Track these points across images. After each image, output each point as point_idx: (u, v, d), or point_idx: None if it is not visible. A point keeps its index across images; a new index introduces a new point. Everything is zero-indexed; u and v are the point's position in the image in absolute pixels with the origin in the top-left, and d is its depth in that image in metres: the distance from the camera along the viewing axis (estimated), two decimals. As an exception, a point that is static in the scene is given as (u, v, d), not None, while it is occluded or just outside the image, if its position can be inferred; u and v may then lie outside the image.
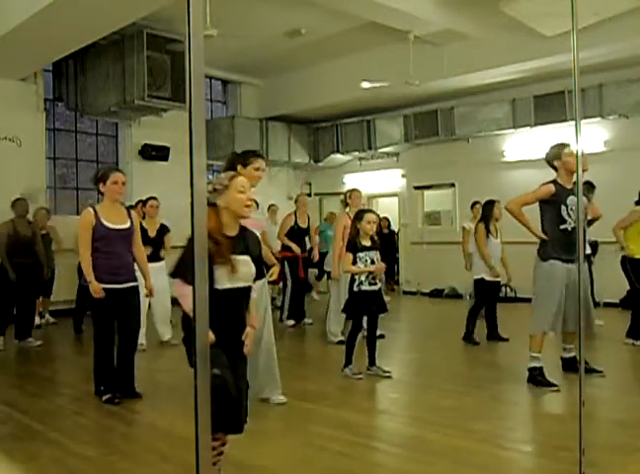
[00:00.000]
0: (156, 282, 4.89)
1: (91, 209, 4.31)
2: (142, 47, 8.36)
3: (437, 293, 10.84)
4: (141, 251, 4.57)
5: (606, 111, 8.89)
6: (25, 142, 8.78)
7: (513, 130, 10.00)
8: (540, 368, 4.47)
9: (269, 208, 9.69)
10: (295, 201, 8.19)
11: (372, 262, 4.83)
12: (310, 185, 13.03)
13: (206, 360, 1.36)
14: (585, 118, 8.14)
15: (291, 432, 3.65)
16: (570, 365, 4.77)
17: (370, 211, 5.06)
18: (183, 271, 2.51)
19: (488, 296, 6.56)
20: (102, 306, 4.21)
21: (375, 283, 4.88)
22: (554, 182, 4.49)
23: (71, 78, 9.39)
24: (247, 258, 2.63)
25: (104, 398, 4.22)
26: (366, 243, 4.85)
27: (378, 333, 6.45)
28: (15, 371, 5.60)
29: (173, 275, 2.59)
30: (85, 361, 6.25)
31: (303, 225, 7.90)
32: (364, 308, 4.92)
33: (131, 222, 4.42)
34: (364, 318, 5.13)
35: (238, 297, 2.61)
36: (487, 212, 6.58)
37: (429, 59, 8.91)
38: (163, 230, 6.54)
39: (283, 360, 5.71)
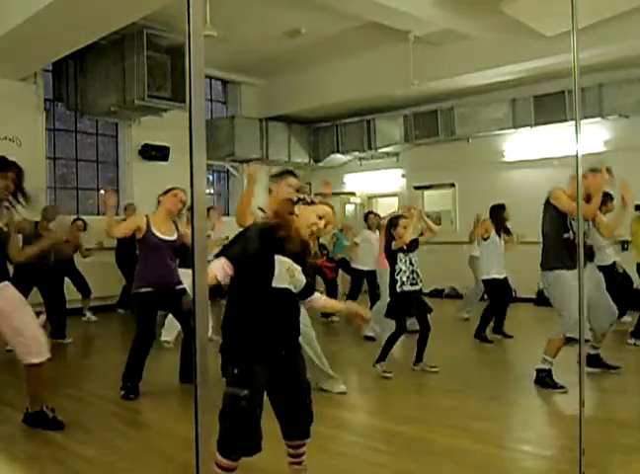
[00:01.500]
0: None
1: (144, 215, 4.68)
2: (142, 47, 8.37)
3: (436, 293, 10.83)
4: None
5: (606, 111, 8.90)
6: (25, 142, 8.78)
7: (513, 130, 10.00)
8: (549, 371, 4.46)
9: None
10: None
11: (412, 263, 5.02)
12: (310, 185, 13.03)
13: (206, 361, 1.36)
14: (585, 118, 8.14)
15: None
16: (591, 362, 4.84)
17: (404, 217, 5.18)
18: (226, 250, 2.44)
19: (502, 294, 6.66)
20: (146, 306, 4.53)
21: (416, 283, 5.03)
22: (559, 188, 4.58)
23: (71, 78, 9.38)
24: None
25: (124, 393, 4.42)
26: (404, 246, 5.01)
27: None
28: (15, 372, 5.59)
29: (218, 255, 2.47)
30: (89, 361, 6.28)
31: None
32: (407, 309, 5.03)
33: (178, 234, 4.75)
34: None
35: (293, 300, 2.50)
36: (496, 215, 6.65)
37: (429, 59, 8.91)
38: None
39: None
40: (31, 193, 6.33)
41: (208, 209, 8.91)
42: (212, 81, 11.69)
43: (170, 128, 9.37)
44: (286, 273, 2.39)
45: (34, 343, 3.54)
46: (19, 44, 7.24)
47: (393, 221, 5.11)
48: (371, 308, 6.88)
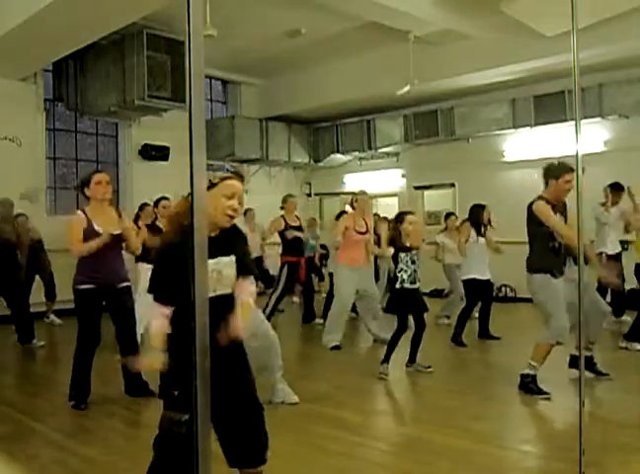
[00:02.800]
0: None
1: (81, 212, 4.26)
2: (142, 47, 8.37)
3: (436, 293, 10.82)
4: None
5: (606, 111, 8.90)
6: (25, 142, 8.78)
7: (513, 130, 10.00)
8: (534, 376, 4.38)
9: (245, 213, 9.52)
10: (284, 203, 7.74)
11: (413, 262, 5.02)
12: (310, 185, 13.03)
13: (206, 360, 1.36)
14: (585, 118, 8.14)
15: (291, 431, 3.65)
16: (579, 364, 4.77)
17: (411, 213, 5.19)
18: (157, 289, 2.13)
19: (481, 295, 6.56)
20: (87, 307, 4.22)
21: (415, 282, 5.03)
22: (541, 197, 4.40)
23: (71, 78, 9.39)
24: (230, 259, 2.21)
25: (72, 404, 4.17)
26: (407, 243, 5.00)
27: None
28: (15, 372, 5.60)
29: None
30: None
31: (295, 224, 7.60)
32: (408, 306, 5.03)
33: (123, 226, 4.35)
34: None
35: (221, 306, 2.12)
36: (475, 216, 6.58)
37: (429, 59, 8.91)
38: None
39: (284, 360, 5.71)
40: (31, 192, 6.34)
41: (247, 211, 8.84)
42: (212, 81, 11.69)
43: (170, 128, 9.37)
44: (213, 278, 2.06)
45: None
46: (19, 44, 7.24)
47: (399, 217, 5.11)
48: (325, 315, 6.83)
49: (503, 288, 9.94)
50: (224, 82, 12.01)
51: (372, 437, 3.63)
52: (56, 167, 9.84)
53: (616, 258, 6.73)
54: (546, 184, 4.45)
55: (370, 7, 7.40)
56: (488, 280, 6.60)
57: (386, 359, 4.99)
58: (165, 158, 10.11)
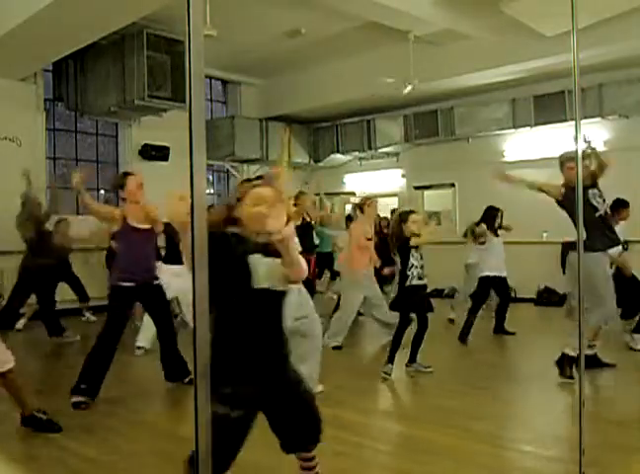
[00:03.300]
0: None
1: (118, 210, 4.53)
2: (142, 47, 8.37)
3: (437, 293, 10.81)
4: None
5: (606, 111, 8.90)
6: (25, 142, 8.78)
7: (513, 130, 10.00)
8: (573, 358, 4.51)
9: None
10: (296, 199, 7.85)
11: (421, 258, 5.10)
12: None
13: (206, 360, 1.36)
14: (585, 118, 8.12)
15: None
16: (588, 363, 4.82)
17: (413, 212, 5.24)
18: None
19: (498, 292, 6.76)
20: (122, 304, 4.42)
21: (422, 278, 5.08)
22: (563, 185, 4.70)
23: (71, 78, 9.38)
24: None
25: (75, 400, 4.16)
26: (411, 242, 5.07)
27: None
28: (16, 371, 5.59)
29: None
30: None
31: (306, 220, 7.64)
32: (412, 303, 5.06)
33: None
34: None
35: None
36: (489, 217, 6.72)
37: (429, 59, 8.90)
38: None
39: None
40: (31, 192, 6.36)
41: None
42: (212, 81, 11.69)
43: (170, 128, 9.36)
44: (267, 268, 2.17)
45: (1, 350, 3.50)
46: (19, 44, 7.24)
47: (403, 216, 5.14)
48: (331, 318, 6.82)
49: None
50: (224, 82, 12.01)
51: (372, 437, 3.63)
52: (56, 167, 9.83)
53: None
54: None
55: (370, 7, 7.40)
56: (505, 278, 6.72)
57: (390, 360, 4.97)
58: (165, 158, 10.11)
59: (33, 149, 8.84)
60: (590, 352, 4.71)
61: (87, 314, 8.38)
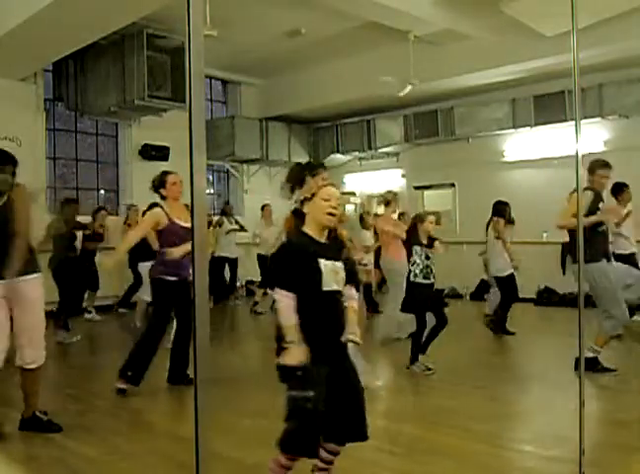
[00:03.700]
0: None
1: (159, 209, 4.63)
2: (142, 47, 8.37)
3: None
4: None
5: (606, 111, 8.90)
6: (25, 142, 8.77)
7: (513, 130, 10.00)
8: (596, 358, 4.69)
9: (262, 209, 9.66)
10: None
11: (427, 257, 5.14)
12: (310, 185, 13.02)
13: (207, 361, 1.36)
14: (585, 118, 8.13)
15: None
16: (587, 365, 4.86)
17: (432, 214, 5.40)
18: (282, 280, 2.41)
19: (515, 290, 6.73)
20: (168, 297, 4.57)
21: (429, 278, 5.10)
22: (589, 188, 4.71)
23: (71, 78, 9.39)
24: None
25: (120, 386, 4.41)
26: (424, 240, 5.16)
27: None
28: (15, 371, 5.58)
29: (273, 285, 2.43)
30: (90, 361, 6.28)
31: None
32: (424, 303, 5.08)
33: None
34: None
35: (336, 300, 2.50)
36: (501, 211, 6.72)
37: (429, 59, 8.90)
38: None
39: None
40: (32, 192, 6.36)
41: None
42: (212, 81, 11.69)
43: (170, 128, 9.36)
44: (332, 274, 2.44)
45: (40, 344, 3.54)
46: (19, 44, 7.24)
47: (420, 217, 5.25)
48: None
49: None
50: (224, 82, 12.01)
51: (373, 437, 3.62)
52: (56, 167, 9.84)
53: (629, 258, 6.64)
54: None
55: (370, 7, 7.40)
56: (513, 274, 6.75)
57: (415, 359, 5.08)
58: (165, 158, 10.11)
59: (33, 149, 8.83)
60: (591, 354, 4.72)
61: (92, 313, 8.31)
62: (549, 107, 9.35)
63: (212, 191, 11.96)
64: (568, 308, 8.25)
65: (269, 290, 2.55)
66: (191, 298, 4.28)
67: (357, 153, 11.89)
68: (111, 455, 3.24)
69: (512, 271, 6.63)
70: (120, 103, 8.80)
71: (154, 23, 8.22)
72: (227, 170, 11.94)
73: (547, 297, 9.48)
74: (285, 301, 2.36)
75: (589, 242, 4.56)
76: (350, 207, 12.72)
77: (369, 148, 11.52)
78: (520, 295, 8.57)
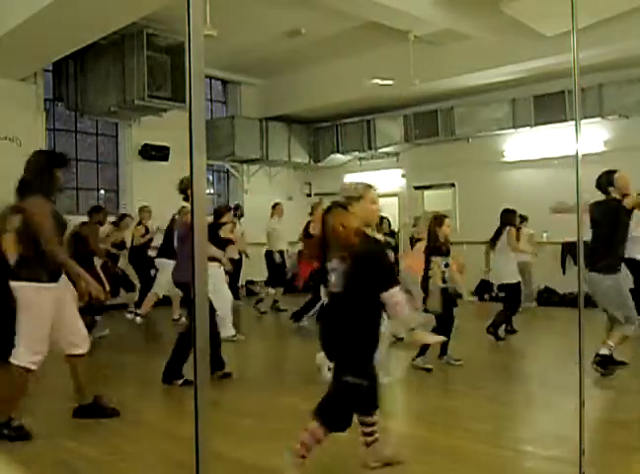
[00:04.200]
0: None
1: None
2: (142, 47, 8.37)
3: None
4: None
5: (606, 111, 8.90)
6: (25, 142, 8.77)
7: (513, 130, 10.00)
8: (610, 356, 4.74)
9: (274, 207, 9.61)
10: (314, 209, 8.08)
11: (447, 265, 5.18)
12: (310, 185, 13.03)
13: (206, 361, 1.36)
14: (585, 118, 8.13)
15: (291, 431, 3.64)
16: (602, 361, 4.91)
17: (446, 216, 5.36)
18: (394, 279, 2.71)
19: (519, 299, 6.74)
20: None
21: (446, 282, 5.18)
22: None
23: (71, 78, 9.39)
24: None
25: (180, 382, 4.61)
26: (443, 246, 5.19)
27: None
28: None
29: (388, 286, 2.64)
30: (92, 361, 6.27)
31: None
32: (448, 304, 5.18)
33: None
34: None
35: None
36: (511, 219, 6.70)
37: (429, 59, 8.91)
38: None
39: (289, 360, 5.72)
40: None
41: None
42: (212, 81, 11.69)
43: (170, 128, 9.36)
44: None
45: (82, 330, 3.70)
46: (19, 44, 7.24)
47: (439, 220, 5.23)
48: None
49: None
50: (224, 82, 12.01)
51: (372, 437, 3.62)
52: (56, 167, 9.83)
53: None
54: (606, 194, 4.82)
55: (370, 7, 7.40)
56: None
57: (444, 352, 5.22)
58: (165, 158, 10.11)
59: (33, 149, 8.76)
60: (607, 351, 4.78)
61: (133, 313, 8.13)
62: (549, 107, 9.34)
63: (212, 191, 11.95)
64: (568, 308, 8.25)
65: (390, 291, 2.59)
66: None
67: (357, 153, 11.89)
68: (111, 455, 3.24)
69: (519, 279, 6.63)
70: (120, 103, 8.80)
71: (154, 23, 8.22)
72: (227, 170, 11.94)
73: (547, 297, 9.48)
74: (402, 295, 2.63)
75: (613, 251, 4.70)
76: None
77: (369, 148, 11.52)
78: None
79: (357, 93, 10.33)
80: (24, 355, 3.40)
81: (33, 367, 3.43)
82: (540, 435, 3.58)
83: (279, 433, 3.68)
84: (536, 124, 9.60)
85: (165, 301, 9.46)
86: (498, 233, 6.70)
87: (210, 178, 11.90)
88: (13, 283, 3.44)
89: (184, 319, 8.03)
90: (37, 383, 5.01)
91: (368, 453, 2.95)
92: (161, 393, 4.68)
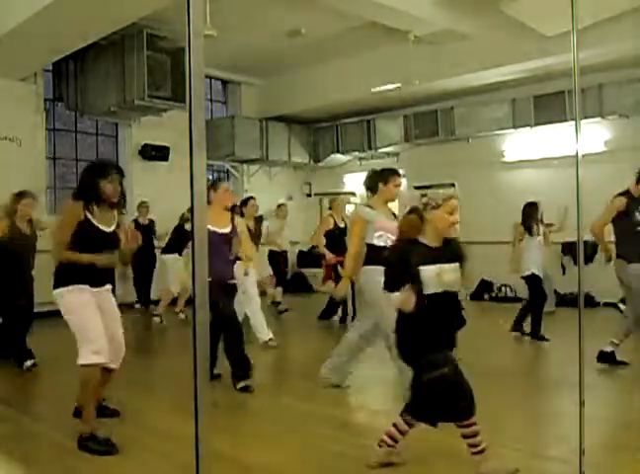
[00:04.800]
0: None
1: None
2: (142, 47, 8.38)
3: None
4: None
5: (606, 111, 8.89)
6: (25, 142, 8.78)
7: (513, 130, 9.99)
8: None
9: (278, 207, 9.57)
10: (331, 203, 8.17)
11: None
12: (310, 185, 13.03)
13: (206, 360, 1.36)
14: (585, 118, 8.13)
15: (291, 432, 3.65)
16: (606, 358, 4.97)
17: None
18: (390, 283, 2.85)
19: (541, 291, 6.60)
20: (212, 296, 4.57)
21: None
22: (626, 193, 5.00)
23: (71, 78, 9.39)
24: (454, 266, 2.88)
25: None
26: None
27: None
28: (16, 371, 5.59)
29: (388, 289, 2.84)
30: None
31: (342, 224, 7.70)
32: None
33: (233, 226, 4.85)
34: None
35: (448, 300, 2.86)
36: (529, 214, 6.62)
37: (429, 59, 8.90)
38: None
39: (291, 361, 5.71)
40: (32, 193, 6.37)
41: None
42: (212, 81, 11.69)
43: (170, 128, 9.37)
44: (436, 278, 2.76)
45: (120, 346, 3.63)
46: (19, 44, 7.24)
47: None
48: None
49: (503, 288, 9.95)
50: (224, 82, 12.01)
51: (372, 438, 3.62)
52: (56, 167, 9.84)
53: None
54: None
55: (370, 7, 7.40)
56: (538, 277, 6.59)
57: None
58: (165, 158, 10.12)
59: (33, 149, 8.84)
60: (610, 348, 4.88)
61: (159, 316, 8.08)
62: (549, 107, 9.34)
63: (212, 191, 11.95)
64: (568, 308, 8.25)
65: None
66: (230, 297, 4.37)
67: (357, 153, 11.89)
68: (111, 455, 3.24)
69: (534, 271, 6.47)
70: (119, 103, 8.80)
71: (154, 23, 8.22)
72: (227, 170, 11.94)
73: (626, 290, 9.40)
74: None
75: (632, 242, 4.83)
76: (350, 207, 12.73)
77: (369, 148, 11.52)
78: (520, 295, 8.61)
79: (356, 93, 10.33)
80: (84, 355, 3.33)
81: (96, 360, 3.33)
82: (540, 435, 3.58)
83: (279, 433, 3.69)
84: (536, 124, 9.60)
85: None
86: (528, 220, 6.61)
87: (210, 178, 11.89)
88: (54, 292, 3.42)
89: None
90: (37, 383, 5.03)
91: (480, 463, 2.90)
92: (161, 393, 4.68)
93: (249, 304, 6.14)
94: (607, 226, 5.09)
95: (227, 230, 4.77)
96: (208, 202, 4.65)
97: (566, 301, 8.87)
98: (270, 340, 6.22)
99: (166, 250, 8.29)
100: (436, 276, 2.76)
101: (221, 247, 4.64)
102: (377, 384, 4.86)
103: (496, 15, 7.46)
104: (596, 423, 3.49)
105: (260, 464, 3.09)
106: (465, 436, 2.88)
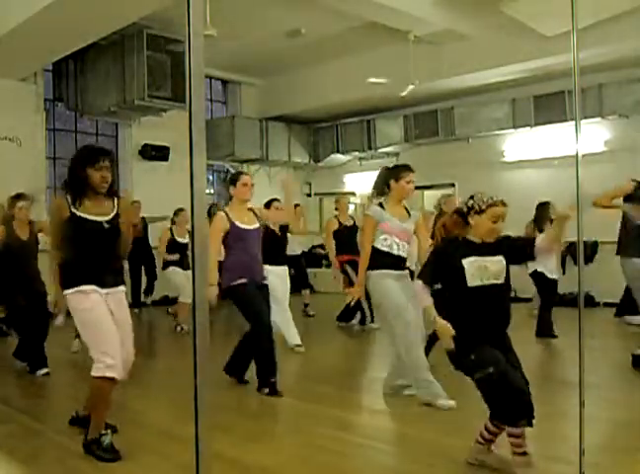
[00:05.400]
0: None
1: (222, 213, 4.45)
2: (142, 47, 8.38)
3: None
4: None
5: (606, 111, 8.89)
6: (25, 142, 8.78)
7: (513, 130, 9.99)
8: None
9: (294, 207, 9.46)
10: (337, 203, 8.04)
11: None
12: (310, 185, 13.03)
13: (206, 361, 1.36)
14: (585, 118, 8.13)
15: (291, 432, 3.65)
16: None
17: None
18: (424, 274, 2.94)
19: (550, 291, 6.55)
20: (250, 297, 4.40)
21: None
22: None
23: (71, 78, 9.39)
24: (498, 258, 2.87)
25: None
26: None
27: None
28: (16, 371, 5.59)
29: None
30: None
31: (348, 223, 7.65)
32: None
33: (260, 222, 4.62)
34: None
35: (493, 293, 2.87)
36: (540, 214, 6.56)
37: (429, 59, 8.91)
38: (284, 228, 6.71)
39: (291, 361, 5.71)
40: (29, 195, 6.37)
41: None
42: (212, 81, 11.69)
43: (170, 128, 9.37)
44: (478, 271, 2.78)
45: (128, 356, 3.34)
46: (19, 44, 7.24)
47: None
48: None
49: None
50: (224, 82, 12.01)
51: (372, 437, 3.63)
52: (56, 167, 9.84)
53: None
54: None
55: (370, 7, 7.40)
56: (542, 274, 6.54)
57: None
58: (165, 158, 10.12)
59: (33, 149, 8.84)
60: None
61: (180, 327, 7.68)
62: (549, 107, 9.34)
63: (212, 191, 11.96)
64: (568, 308, 8.24)
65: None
66: (264, 298, 4.37)
67: (357, 153, 11.89)
68: (114, 462, 3.23)
69: (538, 268, 6.42)
70: (119, 103, 8.80)
71: (154, 23, 8.22)
72: (227, 170, 11.94)
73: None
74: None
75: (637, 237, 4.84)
76: (350, 207, 12.73)
77: (369, 148, 11.52)
78: (520, 295, 8.61)
79: (356, 93, 10.33)
80: (98, 369, 3.14)
81: (110, 374, 3.13)
82: (540, 435, 3.58)
83: (278, 432, 3.69)
84: (536, 124, 9.60)
85: (165, 301, 9.49)
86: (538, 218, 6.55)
87: (210, 178, 11.90)
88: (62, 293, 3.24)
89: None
90: (36, 383, 5.03)
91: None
92: (161, 393, 4.68)
93: (279, 305, 5.74)
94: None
95: (256, 226, 4.51)
96: (230, 198, 4.55)
97: (566, 301, 8.88)
98: (297, 345, 5.90)
99: (166, 265, 7.81)
100: (478, 269, 2.78)
101: (252, 244, 4.45)
102: (377, 384, 4.86)
103: (496, 15, 7.47)
104: (596, 423, 3.49)
105: (260, 464, 3.09)
106: (511, 435, 2.80)
